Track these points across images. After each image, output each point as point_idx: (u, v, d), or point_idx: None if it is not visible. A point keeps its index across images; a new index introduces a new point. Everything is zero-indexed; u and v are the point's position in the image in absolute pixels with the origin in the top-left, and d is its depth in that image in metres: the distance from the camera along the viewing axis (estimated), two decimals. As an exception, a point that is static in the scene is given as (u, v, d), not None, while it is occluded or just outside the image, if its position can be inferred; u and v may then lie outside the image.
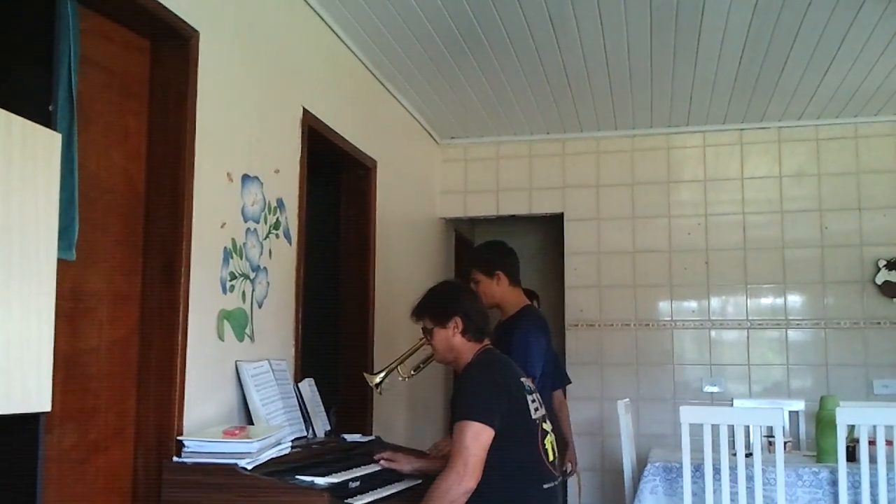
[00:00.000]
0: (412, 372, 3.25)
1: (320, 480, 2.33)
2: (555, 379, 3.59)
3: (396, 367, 3.20)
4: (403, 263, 4.61)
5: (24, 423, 1.54)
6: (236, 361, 2.72)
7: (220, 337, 2.64)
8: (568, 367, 4.69)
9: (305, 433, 2.93)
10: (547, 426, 2.64)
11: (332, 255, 4.02)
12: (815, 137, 5.06)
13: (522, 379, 2.65)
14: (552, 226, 5.72)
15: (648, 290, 5.17)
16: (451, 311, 2.68)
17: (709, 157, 5.20)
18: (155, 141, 2.47)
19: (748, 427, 3.40)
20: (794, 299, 4.99)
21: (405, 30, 3.70)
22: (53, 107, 2.01)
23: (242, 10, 2.87)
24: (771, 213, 5.06)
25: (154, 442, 2.35)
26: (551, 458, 2.60)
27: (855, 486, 3.17)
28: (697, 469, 3.28)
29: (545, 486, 2.54)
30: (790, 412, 4.40)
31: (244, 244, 2.81)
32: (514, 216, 5.52)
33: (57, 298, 1.56)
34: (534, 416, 2.57)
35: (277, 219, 3.07)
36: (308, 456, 2.63)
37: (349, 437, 3.08)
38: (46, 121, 1.95)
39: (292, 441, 2.64)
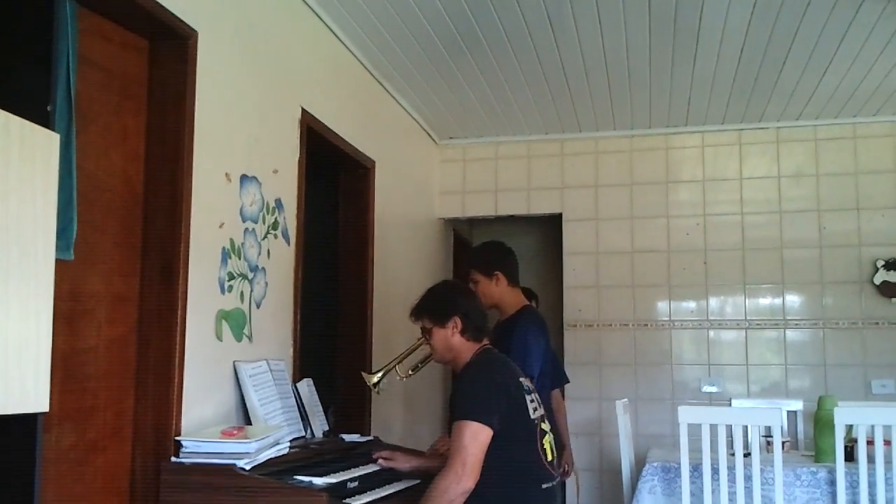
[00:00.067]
0: (410, 372, 3.25)
1: (318, 480, 2.33)
2: (553, 378, 3.59)
3: (394, 366, 3.20)
4: (402, 264, 4.61)
5: (23, 424, 1.53)
6: (234, 362, 2.72)
7: (219, 337, 2.64)
8: (566, 367, 4.70)
9: (304, 433, 2.93)
10: (545, 426, 2.64)
11: (330, 255, 4.02)
12: (814, 138, 5.06)
13: (521, 379, 2.65)
14: (551, 226, 5.73)
15: (647, 291, 5.17)
16: (451, 310, 2.68)
17: (707, 157, 5.21)
18: (153, 141, 2.47)
19: (746, 427, 3.40)
20: (793, 299, 4.99)
21: (404, 30, 3.70)
22: (52, 107, 2.01)
23: (241, 11, 2.87)
24: (769, 213, 5.07)
25: (152, 442, 2.35)
26: (550, 458, 2.60)
27: (853, 486, 3.17)
28: (696, 469, 3.28)
29: (544, 486, 2.54)
30: (788, 412, 4.40)
31: (242, 244, 2.81)
32: (512, 216, 5.53)
33: (55, 299, 1.56)
34: (532, 416, 2.57)
35: (276, 219, 3.07)
36: (306, 456, 2.63)
37: (347, 437, 3.08)
38: (45, 121, 1.95)
39: (290, 441, 2.64)
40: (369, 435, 3.48)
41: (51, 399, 1.56)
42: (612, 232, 5.26)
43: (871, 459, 3.13)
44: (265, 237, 2.98)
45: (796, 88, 4.47)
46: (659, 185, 5.23)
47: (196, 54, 2.53)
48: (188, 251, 2.45)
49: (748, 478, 3.17)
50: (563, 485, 4.28)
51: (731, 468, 3.20)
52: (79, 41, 2.12)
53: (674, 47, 3.90)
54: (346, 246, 4.06)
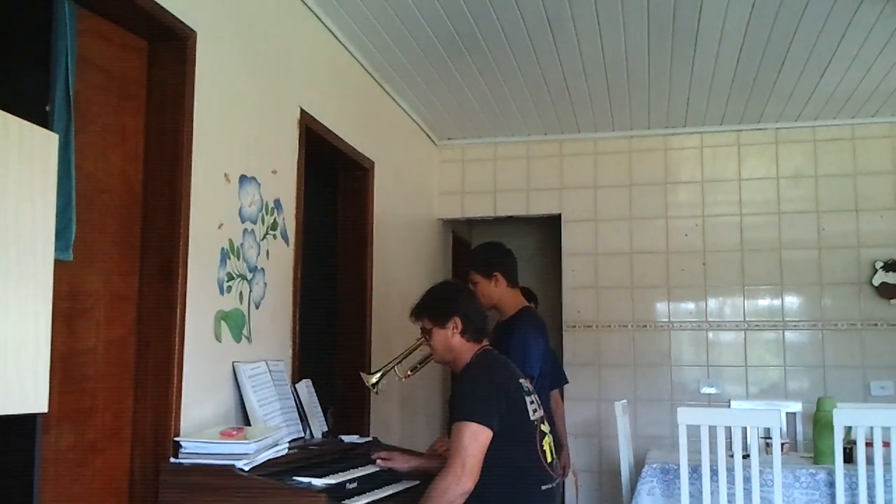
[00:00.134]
0: (409, 372, 3.25)
1: (317, 481, 2.33)
2: (552, 379, 3.59)
3: (393, 367, 3.20)
4: (401, 264, 4.61)
5: (22, 424, 1.53)
6: (233, 362, 2.72)
7: (218, 338, 2.64)
8: (565, 367, 4.69)
9: (303, 434, 2.93)
10: (545, 427, 2.64)
11: (329, 255, 4.01)
12: (813, 139, 5.07)
13: (521, 380, 2.64)
14: (550, 227, 5.73)
15: (646, 292, 5.17)
16: (451, 311, 2.67)
17: (706, 158, 5.21)
18: (152, 141, 2.46)
19: (745, 428, 3.41)
20: (791, 300, 5.00)
21: (403, 30, 3.70)
22: (50, 107, 2.01)
23: (240, 11, 2.87)
24: (768, 214, 5.07)
25: (151, 443, 2.35)
26: (549, 459, 2.60)
27: (852, 488, 3.18)
28: (695, 470, 3.28)
29: (543, 487, 2.53)
30: (787, 413, 4.40)
31: (241, 245, 2.81)
32: (511, 217, 5.53)
33: (54, 299, 1.56)
34: (532, 418, 2.57)
35: (275, 219, 3.07)
36: (305, 457, 2.63)
37: (346, 438, 3.07)
38: (43, 121, 1.94)
39: (289, 442, 2.64)
40: (368, 436, 3.48)
41: (50, 400, 1.56)
42: (610, 233, 5.26)
43: (870, 461, 3.14)
44: (264, 238, 2.98)
45: (795, 89, 4.47)
46: (658, 186, 5.23)
47: (195, 55, 2.53)
48: (187, 252, 2.45)
49: (747, 479, 3.17)
50: (563, 486, 4.28)
51: (731, 470, 3.20)
52: (78, 41, 2.12)
53: (672, 48, 3.90)
54: (344, 247, 4.06)
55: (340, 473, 2.55)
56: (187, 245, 2.45)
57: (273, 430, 2.54)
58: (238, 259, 2.78)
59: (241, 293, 2.79)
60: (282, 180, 3.14)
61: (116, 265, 2.34)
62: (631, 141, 5.29)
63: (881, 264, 4.86)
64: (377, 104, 4.33)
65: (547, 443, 2.61)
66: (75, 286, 2.16)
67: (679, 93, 4.55)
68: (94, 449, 2.23)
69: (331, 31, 3.64)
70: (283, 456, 2.46)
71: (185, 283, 2.43)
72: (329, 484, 2.36)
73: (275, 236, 3.07)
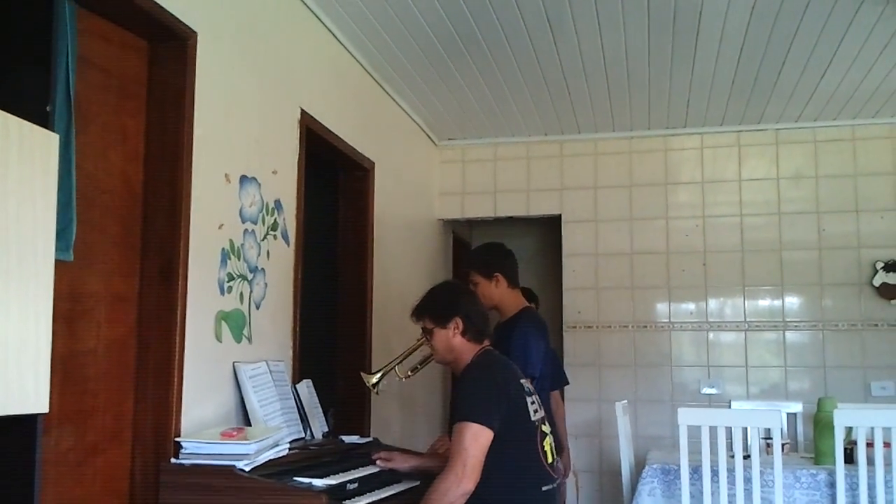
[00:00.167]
0: (409, 372, 3.24)
1: (318, 482, 2.32)
2: (553, 380, 3.59)
3: (394, 367, 3.20)
4: (401, 265, 4.60)
5: (22, 425, 1.53)
6: (234, 363, 2.72)
7: (218, 338, 2.64)
8: (566, 368, 4.69)
9: (303, 434, 2.93)
10: (546, 428, 2.64)
11: (330, 256, 4.01)
12: (813, 139, 5.07)
13: (522, 380, 2.64)
14: (550, 227, 5.73)
15: (646, 292, 5.17)
16: (452, 311, 2.67)
17: (706, 158, 5.21)
18: (153, 142, 2.46)
19: (746, 429, 3.40)
20: (792, 301, 4.99)
21: (403, 31, 3.70)
22: (51, 107, 2.01)
23: (241, 12, 2.87)
24: (768, 214, 5.07)
25: (152, 443, 2.35)
26: (550, 460, 2.60)
27: (853, 488, 3.17)
28: (695, 471, 3.28)
29: (544, 488, 2.53)
30: (788, 414, 4.40)
31: (242, 245, 2.81)
32: (511, 218, 5.53)
33: (54, 299, 1.56)
34: (533, 418, 2.57)
35: (275, 220, 3.07)
36: (306, 457, 2.63)
37: (347, 439, 3.07)
38: (44, 121, 1.94)
39: (290, 442, 2.64)
40: (369, 436, 3.47)
41: (50, 400, 1.56)
42: (611, 233, 5.26)
43: (870, 461, 3.13)
44: (265, 238, 2.98)
45: (795, 90, 4.47)
46: (658, 187, 5.23)
47: (195, 55, 2.53)
48: (187, 252, 2.45)
49: (748, 480, 3.17)
50: (564, 486, 4.27)
51: (731, 470, 3.20)
52: (78, 42, 2.12)
53: (673, 49, 3.90)
54: (345, 247, 4.06)
55: (341, 474, 2.55)
56: (188, 245, 2.45)
57: (274, 431, 2.54)
58: (238, 259, 2.77)
59: (241, 293, 2.79)
60: (282, 181, 3.14)
61: (117, 265, 2.33)
62: (631, 141, 5.29)
63: (881, 265, 4.86)
64: (377, 104, 4.33)
65: (548, 443, 2.61)
66: (76, 287, 2.15)
67: (679, 93, 4.55)
68: (94, 449, 2.23)
69: (331, 31, 3.64)
70: (283, 456, 2.46)
71: (186, 283, 2.43)
72: (330, 484, 2.36)
73: (275, 237, 3.07)
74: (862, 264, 4.90)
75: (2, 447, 1.55)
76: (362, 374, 3.30)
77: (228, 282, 2.70)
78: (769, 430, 3.29)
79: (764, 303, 5.03)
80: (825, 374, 4.88)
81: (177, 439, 2.34)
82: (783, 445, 3.39)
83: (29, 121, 1.52)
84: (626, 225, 5.24)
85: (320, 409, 3.15)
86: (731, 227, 5.11)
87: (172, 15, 2.40)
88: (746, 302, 5.04)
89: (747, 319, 5.03)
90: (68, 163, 2.03)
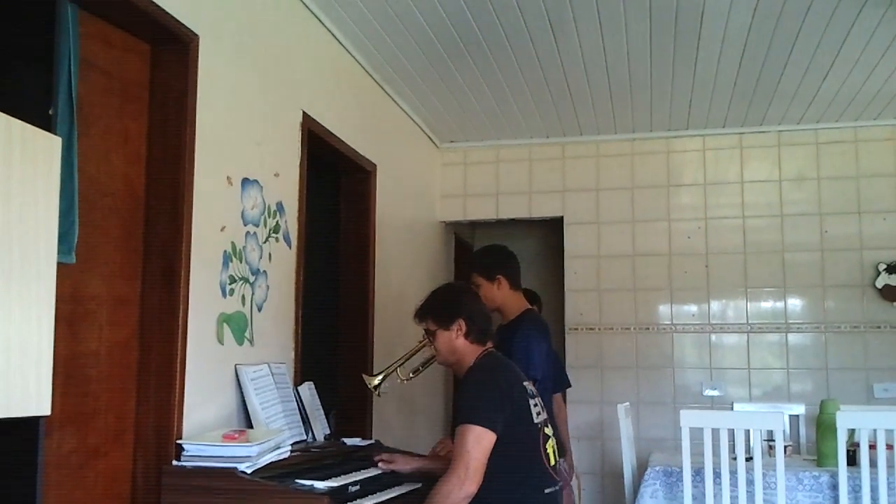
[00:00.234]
0: (411, 374, 3.24)
1: (320, 484, 2.32)
2: (555, 382, 3.59)
3: (395, 369, 3.20)
4: (403, 267, 4.61)
5: (24, 427, 1.53)
6: (236, 365, 2.72)
7: (220, 340, 2.64)
8: (568, 370, 4.69)
9: (305, 437, 2.93)
10: (548, 430, 2.64)
11: (331, 258, 4.02)
12: (815, 141, 5.06)
13: (525, 383, 2.64)
14: (552, 229, 5.73)
15: (648, 294, 5.17)
16: (455, 313, 2.67)
17: (709, 160, 5.20)
18: (155, 144, 2.47)
19: (748, 431, 3.40)
20: (795, 303, 4.99)
21: (405, 33, 3.71)
22: (53, 110, 2.01)
23: (242, 14, 2.87)
24: (771, 216, 5.06)
25: (153, 446, 2.35)
26: (552, 462, 2.59)
27: (855, 490, 3.17)
28: (698, 473, 3.27)
29: (546, 490, 2.53)
30: (790, 416, 4.39)
31: (244, 248, 2.81)
32: (513, 220, 5.52)
33: (57, 302, 1.56)
34: (536, 421, 2.57)
35: (277, 222, 3.07)
36: (308, 460, 2.63)
37: (349, 441, 3.07)
38: (46, 124, 1.95)
39: (292, 445, 2.64)
40: (370, 439, 3.47)
41: (52, 403, 1.56)
42: (613, 235, 5.25)
43: (873, 463, 3.13)
44: (266, 240, 2.98)
45: (797, 92, 4.47)
46: (660, 189, 5.23)
47: (197, 58, 2.53)
48: (189, 254, 2.45)
49: (750, 482, 3.16)
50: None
51: (734, 472, 3.19)
52: (80, 45, 2.12)
53: (675, 51, 3.90)
54: (347, 249, 4.06)
55: (343, 476, 2.54)
56: (190, 248, 2.45)
57: (275, 433, 2.54)
58: (240, 262, 2.78)
59: (243, 296, 2.79)
60: (284, 183, 3.15)
61: (119, 268, 2.34)
62: (633, 143, 5.29)
63: (884, 266, 4.85)
64: (379, 107, 4.34)
65: (550, 446, 2.61)
66: (78, 289, 2.16)
67: (681, 95, 4.55)
68: (96, 452, 2.23)
69: (333, 34, 3.64)
70: (285, 459, 2.46)
71: (188, 285, 2.43)
72: (331, 487, 2.36)
73: (277, 239, 3.07)
74: (864, 266, 4.90)
75: (4, 449, 1.55)
76: (364, 376, 3.30)
77: (230, 284, 2.70)
78: (771, 432, 3.28)
79: (766, 305, 5.02)
80: (827, 375, 4.87)
81: (178, 442, 2.34)
82: (786, 447, 3.38)
83: (31, 124, 1.52)
84: (629, 227, 5.24)
85: (322, 412, 3.15)
86: (733, 228, 5.10)
87: (174, 18, 2.41)
88: (749, 304, 5.03)
89: (749, 321, 5.02)
90: (70, 166, 2.04)
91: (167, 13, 2.37)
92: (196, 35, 2.52)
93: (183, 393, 2.40)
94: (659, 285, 5.15)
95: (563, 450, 3.51)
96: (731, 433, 3.25)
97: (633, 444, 4.13)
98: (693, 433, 3.26)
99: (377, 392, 3.25)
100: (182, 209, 2.44)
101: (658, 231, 5.20)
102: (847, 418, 3.21)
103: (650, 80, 4.31)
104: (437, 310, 2.72)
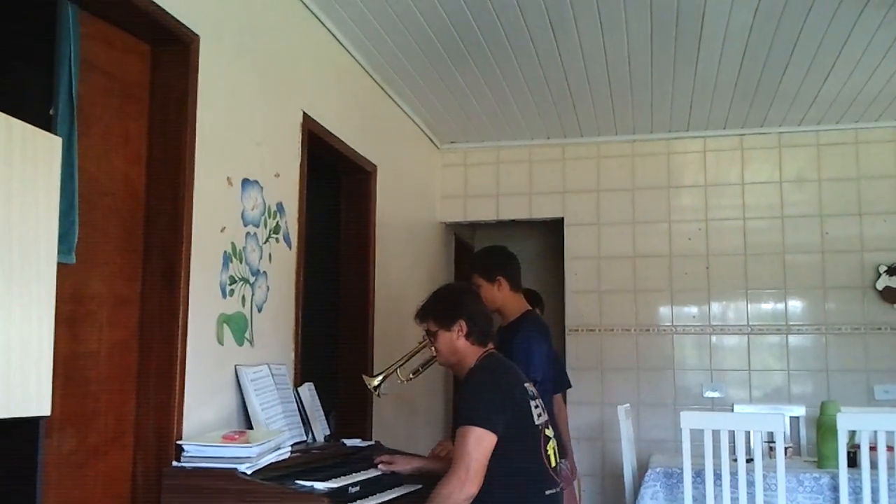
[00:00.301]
0: (411, 375, 3.24)
1: (320, 485, 2.32)
2: (556, 383, 3.58)
3: (395, 370, 3.20)
4: (403, 268, 4.60)
5: (24, 428, 1.53)
6: (236, 366, 2.72)
7: (220, 341, 2.64)
8: (568, 371, 4.67)
9: (305, 438, 2.93)
10: (549, 432, 2.63)
11: (331, 259, 4.02)
12: (816, 143, 5.06)
13: (526, 384, 2.64)
14: (552, 230, 5.72)
15: (649, 295, 5.16)
16: (456, 314, 2.67)
17: (709, 162, 5.20)
18: (155, 145, 2.47)
19: (749, 432, 3.40)
20: (795, 304, 4.99)
21: (405, 34, 3.71)
22: (54, 110, 2.01)
23: (243, 15, 2.87)
24: (771, 218, 5.06)
25: (153, 446, 2.34)
26: (553, 464, 2.59)
27: (856, 492, 3.17)
28: (698, 474, 3.27)
29: (547, 492, 2.53)
30: (791, 417, 4.39)
31: (244, 248, 2.81)
32: (514, 221, 5.52)
33: (57, 302, 1.56)
34: (537, 422, 2.56)
35: (277, 223, 3.07)
36: (308, 461, 2.63)
37: (349, 442, 3.07)
38: (47, 124, 1.95)
39: (292, 446, 2.63)
40: (371, 440, 3.47)
41: (52, 403, 1.56)
42: (614, 236, 5.25)
43: (873, 465, 3.13)
44: (266, 241, 2.98)
45: (798, 93, 4.47)
46: (661, 190, 5.23)
47: (198, 58, 2.53)
48: (190, 255, 2.45)
49: (751, 483, 3.16)
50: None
51: (734, 474, 3.19)
52: (81, 45, 2.12)
53: (675, 52, 3.90)
54: (347, 250, 4.06)
55: (343, 477, 2.54)
56: (190, 248, 2.45)
57: (275, 434, 2.54)
58: (240, 262, 2.78)
59: (243, 296, 2.79)
60: (284, 184, 3.14)
61: (119, 268, 2.34)
62: (634, 145, 5.29)
63: (885, 268, 4.85)
64: (380, 108, 4.34)
65: (551, 447, 2.60)
66: (78, 289, 2.16)
67: (682, 96, 4.55)
68: (96, 452, 2.23)
69: (333, 34, 3.64)
70: (285, 460, 2.46)
71: (188, 286, 2.43)
72: (331, 488, 2.36)
73: (277, 240, 3.07)
74: (865, 268, 4.89)
75: (3, 450, 1.55)
76: (364, 376, 3.29)
77: (230, 285, 2.70)
78: (772, 433, 3.28)
79: (767, 306, 5.02)
80: (828, 377, 4.87)
81: (178, 442, 2.34)
82: (786, 449, 3.38)
83: (32, 124, 1.52)
84: (629, 228, 5.24)
85: (322, 412, 3.14)
86: (733, 230, 5.10)
87: (175, 18, 2.41)
88: (749, 305, 5.03)
89: (750, 323, 5.02)
90: (71, 166, 2.04)
91: (167, 13, 2.37)
92: (196, 35, 2.52)
93: (183, 393, 2.39)
94: (659, 286, 5.15)
95: (563, 451, 3.51)
96: (732, 435, 3.25)
97: (634, 445, 4.12)
98: (693, 434, 3.26)
99: (377, 393, 3.25)
100: (182, 209, 2.43)
101: (659, 232, 5.19)
102: (848, 420, 3.21)
103: (651, 81, 4.31)
104: (439, 310, 2.72)
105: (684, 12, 3.47)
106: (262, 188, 2.94)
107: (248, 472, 2.25)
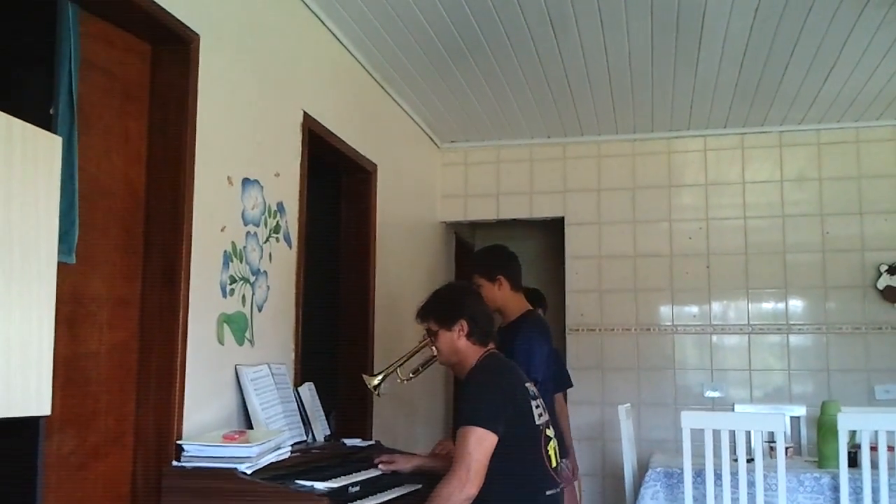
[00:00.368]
0: (411, 375, 3.24)
1: (320, 485, 2.32)
2: (557, 382, 3.58)
3: (395, 369, 3.19)
4: (403, 267, 4.60)
5: (24, 428, 1.53)
6: (236, 365, 2.72)
7: (220, 341, 2.63)
8: (569, 371, 4.68)
9: (305, 437, 2.92)
10: (550, 432, 2.63)
11: (332, 258, 4.01)
12: (817, 142, 5.06)
13: (527, 384, 2.63)
14: (553, 230, 5.72)
15: (649, 295, 5.16)
16: (457, 313, 2.66)
17: (710, 161, 5.20)
18: (155, 144, 2.46)
19: (749, 432, 3.40)
20: (796, 304, 4.98)
21: (406, 33, 3.70)
22: (54, 110, 2.01)
23: (243, 14, 2.87)
24: (772, 217, 5.06)
25: (154, 446, 2.34)
26: (554, 464, 2.59)
27: (856, 492, 3.16)
28: (699, 474, 3.27)
29: (548, 492, 2.52)
30: (791, 417, 4.39)
31: (244, 248, 2.80)
32: (514, 220, 5.52)
33: (57, 302, 1.56)
34: (537, 423, 2.56)
35: (277, 222, 3.07)
36: (308, 460, 2.63)
37: (349, 442, 3.07)
38: (47, 124, 1.95)
39: (292, 445, 2.63)
40: (371, 440, 3.47)
41: (52, 403, 1.56)
42: (614, 236, 5.25)
43: (874, 465, 3.12)
44: (267, 240, 2.98)
45: (799, 92, 4.46)
46: (661, 189, 5.22)
47: (198, 58, 2.53)
48: (190, 255, 2.44)
49: (751, 483, 3.16)
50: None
51: (734, 474, 3.19)
52: (81, 45, 2.12)
53: (676, 51, 3.90)
54: (347, 249, 4.06)
55: (343, 477, 2.54)
56: (190, 248, 2.45)
57: (275, 434, 2.54)
58: (241, 262, 2.77)
59: (243, 296, 2.79)
60: (284, 183, 3.14)
61: (119, 268, 2.33)
62: (634, 144, 5.28)
63: (886, 267, 4.84)
64: (380, 107, 4.34)
65: (552, 447, 2.60)
66: (78, 289, 2.15)
67: (683, 95, 4.54)
68: (96, 452, 2.22)
69: (334, 34, 3.64)
70: (285, 459, 2.46)
71: (188, 286, 2.43)
72: (331, 488, 2.35)
73: (277, 239, 3.06)
74: (866, 267, 4.89)
75: (4, 450, 1.55)
76: (364, 376, 3.29)
77: (230, 284, 2.70)
78: (773, 433, 3.28)
79: (767, 306, 5.01)
80: (829, 377, 4.87)
81: (179, 442, 2.34)
82: (787, 449, 3.38)
83: (32, 123, 1.52)
84: (630, 227, 5.24)
85: (322, 412, 3.14)
86: (734, 229, 5.10)
87: (175, 18, 2.40)
88: (750, 305, 5.03)
89: (751, 322, 5.02)
90: (71, 166, 2.03)
91: (168, 13, 2.36)
92: (197, 35, 2.52)
93: (183, 393, 2.39)
94: (660, 286, 5.14)
95: (565, 450, 3.51)
96: (732, 434, 3.24)
97: (634, 445, 4.12)
98: (694, 434, 3.26)
99: (377, 392, 3.24)
100: (182, 209, 2.43)
101: (659, 232, 5.19)
102: (848, 420, 3.21)
103: (651, 80, 4.30)
104: (440, 310, 2.72)
105: (685, 11, 3.47)
106: (262, 187, 2.94)
107: (249, 471, 2.24)
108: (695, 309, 5.10)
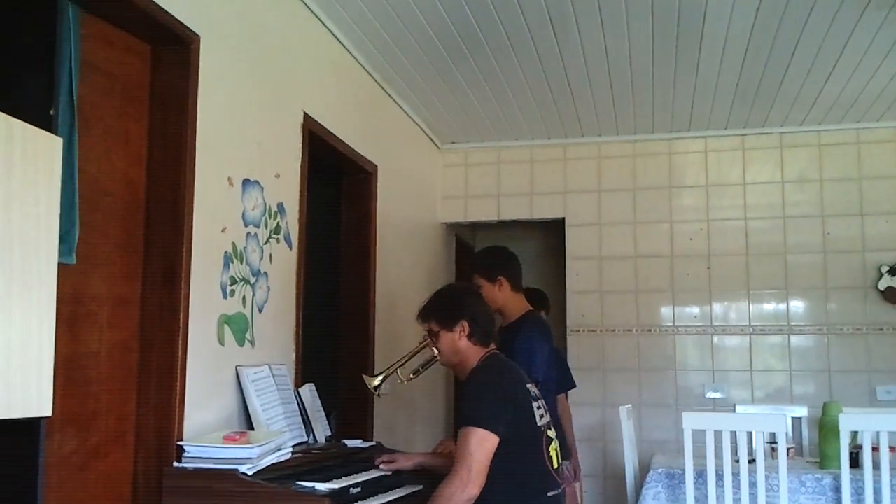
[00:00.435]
0: (412, 375, 3.24)
1: (321, 486, 2.32)
2: (559, 383, 3.58)
3: (396, 370, 3.19)
4: (404, 268, 4.60)
5: (25, 428, 1.53)
6: (237, 366, 2.72)
7: (221, 342, 2.63)
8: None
9: (306, 438, 2.92)
10: (551, 433, 2.63)
11: (332, 259, 4.01)
12: (818, 143, 5.06)
13: (528, 385, 2.63)
14: (553, 231, 5.72)
15: (650, 296, 5.16)
16: (458, 314, 2.66)
17: (711, 162, 5.20)
18: (155, 145, 2.46)
19: (751, 433, 3.39)
20: (797, 305, 4.98)
21: (406, 34, 3.70)
22: (54, 111, 2.01)
23: (244, 15, 2.87)
24: (773, 218, 5.06)
25: (154, 447, 2.34)
26: (555, 465, 2.58)
27: (858, 493, 3.16)
28: (700, 475, 3.27)
29: (549, 493, 2.52)
30: (793, 418, 4.39)
31: (245, 249, 2.80)
32: (515, 221, 5.52)
33: (57, 303, 1.55)
34: (539, 423, 2.56)
35: (278, 223, 3.06)
36: (309, 461, 2.62)
37: (350, 443, 3.06)
38: (47, 125, 1.94)
39: (293, 446, 2.63)
40: (372, 440, 3.47)
41: (53, 403, 1.56)
42: (615, 237, 5.25)
43: (876, 466, 3.12)
44: (267, 241, 2.97)
45: (800, 93, 4.46)
46: (662, 190, 5.22)
47: (198, 59, 2.53)
48: (190, 255, 2.44)
49: (753, 484, 3.16)
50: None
51: (736, 475, 3.18)
52: (81, 45, 2.12)
53: (677, 52, 3.90)
54: (348, 250, 4.05)
55: (344, 478, 2.54)
56: (190, 249, 2.45)
57: (276, 435, 2.54)
58: (241, 263, 2.77)
59: (244, 297, 2.79)
60: (285, 184, 3.14)
61: (119, 269, 2.33)
62: (635, 145, 5.28)
63: (887, 268, 4.84)
64: (380, 108, 4.33)
65: (553, 448, 2.60)
66: (78, 290, 2.15)
67: (683, 96, 4.54)
68: (97, 453, 2.22)
69: (334, 34, 3.64)
70: (286, 460, 2.46)
71: (189, 286, 2.43)
72: (332, 488, 2.35)
73: (278, 240, 3.06)
74: (867, 268, 4.89)
75: (4, 450, 1.55)
76: (364, 376, 3.29)
77: (231, 285, 2.70)
78: (774, 434, 3.27)
79: (768, 306, 5.01)
80: (830, 378, 4.86)
81: (179, 443, 2.33)
82: (788, 450, 3.37)
83: (32, 124, 1.52)
84: (630, 228, 5.23)
85: (323, 413, 3.14)
86: (735, 230, 5.09)
87: (175, 19, 2.40)
88: (751, 306, 5.02)
89: (752, 323, 5.01)
90: (71, 166, 2.03)
91: (168, 13, 2.36)
92: (197, 35, 2.52)
93: (184, 394, 2.39)
94: (661, 287, 5.14)
95: (567, 451, 3.51)
96: (734, 435, 3.24)
97: (635, 446, 4.12)
98: (695, 435, 3.25)
99: (377, 393, 3.24)
100: (183, 210, 2.43)
101: (660, 232, 5.19)
102: (850, 420, 3.21)
103: (652, 81, 4.30)
104: (441, 311, 2.72)
105: (686, 12, 3.46)
106: (262, 188, 2.94)
107: (249, 472, 2.24)
108: (696, 310, 5.10)
